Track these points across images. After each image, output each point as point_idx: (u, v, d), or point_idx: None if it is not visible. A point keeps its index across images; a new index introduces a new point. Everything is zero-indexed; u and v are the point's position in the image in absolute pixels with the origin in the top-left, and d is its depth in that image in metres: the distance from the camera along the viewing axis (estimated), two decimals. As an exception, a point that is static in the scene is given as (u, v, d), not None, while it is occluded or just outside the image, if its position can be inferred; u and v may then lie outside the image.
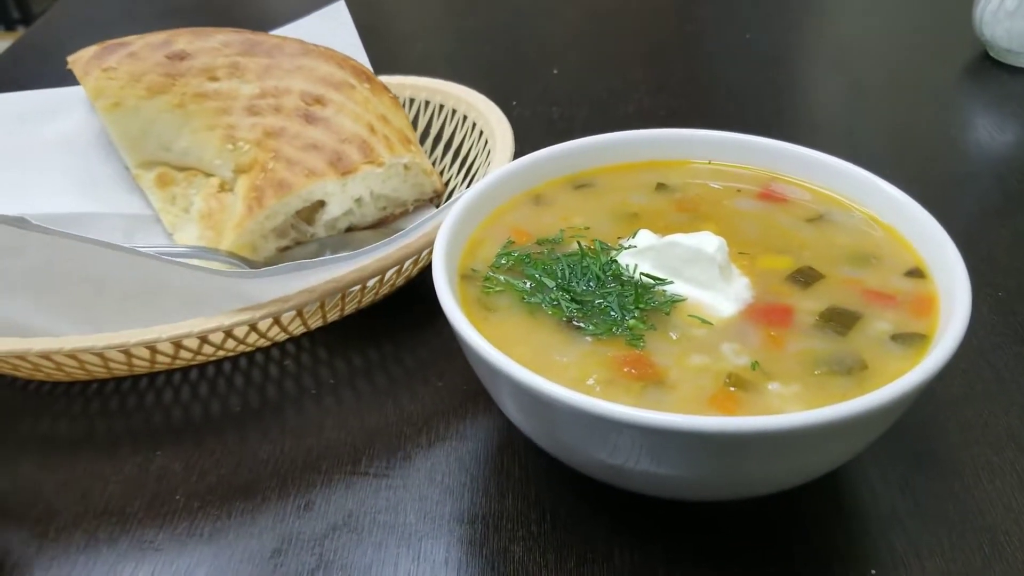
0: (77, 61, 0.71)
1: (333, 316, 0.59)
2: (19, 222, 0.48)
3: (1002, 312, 0.61)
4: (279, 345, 0.61)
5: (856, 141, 0.85)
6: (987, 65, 0.98)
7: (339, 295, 0.56)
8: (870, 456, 0.50)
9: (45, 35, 1.24)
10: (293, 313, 0.55)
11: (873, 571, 0.45)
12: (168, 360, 0.55)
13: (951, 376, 0.56)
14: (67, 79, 0.75)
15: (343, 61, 0.71)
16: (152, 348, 0.52)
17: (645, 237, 0.51)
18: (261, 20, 0.86)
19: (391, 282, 0.59)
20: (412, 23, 1.22)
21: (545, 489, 0.50)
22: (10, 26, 3.64)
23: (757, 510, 0.48)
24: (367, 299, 0.60)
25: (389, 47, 1.03)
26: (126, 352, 0.52)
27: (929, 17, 1.16)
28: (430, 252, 0.59)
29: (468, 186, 0.69)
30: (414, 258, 0.57)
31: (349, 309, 0.60)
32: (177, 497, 0.50)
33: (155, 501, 0.50)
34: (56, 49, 0.79)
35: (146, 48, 0.68)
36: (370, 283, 0.56)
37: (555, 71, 1.01)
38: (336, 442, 0.53)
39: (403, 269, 0.59)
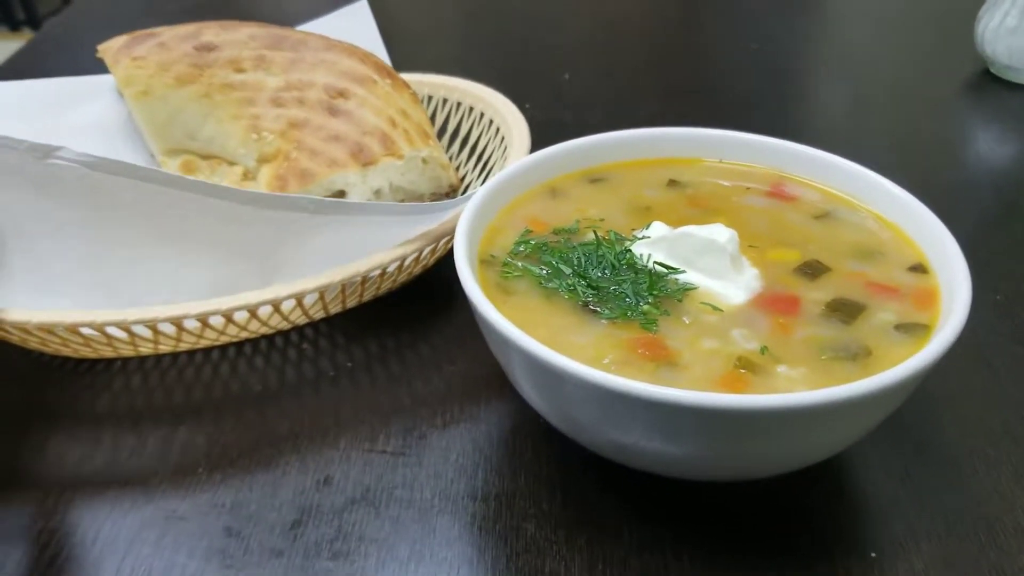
0: (107, 50, 0.73)
1: (352, 302, 0.61)
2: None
3: (1000, 314, 0.63)
4: (298, 329, 0.62)
5: (860, 150, 0.86)
6: (988, 80, 1.00)
7: (359, 280, 0.57)
8: (872, 447, 0.52)
9: (65, 28, 1.26)
10: (316, 296, 0.56)
11: (873, 554, 0.46)
12: (193, 339, 0.57)
13: (950, 373, 0.57)
14: (88, 70, 0.76)
15: (365, 57, 0.73)
16: (179, 325, 0.54)
17: (658, 228, 0.52)
18: (282, 18, 0.88)
19: (409, 269, 0.61)
20: (426, 29, 1.24)
21: (557, 469, 0.51)
22: (15, 27, 3.66)
23: (763, 493, 0.49)
24: (385, 285, 0.61)
25: (403, 51, 1.04)
26: (152, 328, 0.53)
27: (932, 33, 1.18)
28: (448, 241, 0.61)
29: (484, 181, 0.71)
30: (432, 246, 0.59)
31: (367, 296, 0.61)
32: (200, 470, 0.52)
33: (178, 473, 0.51)
34: (75, 42, 0.80)
35: (175, 39, 0.70)
36: (390, 268, 0.58)
37: (567, 76, 1.03)
38: (353, 421, 0.55)
39: (421, 257, 0.60)
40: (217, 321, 0.55)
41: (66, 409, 0.57)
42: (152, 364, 0.59)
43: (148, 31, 0.72)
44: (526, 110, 0.88)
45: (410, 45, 1.12)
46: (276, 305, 0.55)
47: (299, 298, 0.55)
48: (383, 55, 0.80)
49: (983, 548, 0.46)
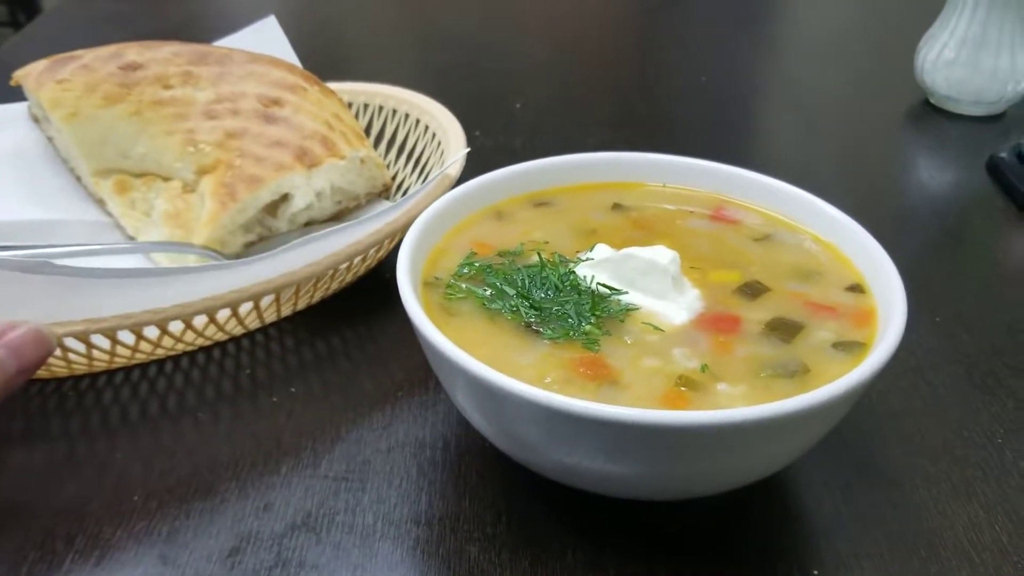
0: (28, 75, 0.73)
1: (287, 310, 0.62)
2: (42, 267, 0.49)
3: (939, 336, 0.64)
4: (235, 355, 0.61)
5: (803, 179, 0.88)
6: (928, 111, 1.03)
7: (314, 279, 0.58)
8: (815, 465, 0.52)
9: (15, 56, 1.24)
10: (251, 305, 0.56)
11: (816, 572, 0.46)
12: (128, 353, 0.56)
13: (891, 392, 0.58)
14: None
15: (291, 68, 0.75)
16: (112, 337, 0.53)
17: (602, 250, 0.53)
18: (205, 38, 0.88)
19: (341, 277, 0.62)
20: (379, 57, 1.25)
21: (502, 493, 0.51)
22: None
23: (707, 512, 0.49)
24: (318, 295, 0.63)
25: (356, 77, 1.05)
26: (86, 341, 0.52)
27: (874, 65, 1.21)
28: (378, 250, 0.62)
29: (422, 180, 0.74)
30: (362, 256, 0.60)
31: (302, 304, 0.63)
32: (135, 497, 0.50)
33: (113, 501, 0.50)
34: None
35: (97, 60, 0.70)
36: (323, 278, 0.60)
37: (518, 105, 1.04)
38: (296, 447, 0.54)
39: (353, 265, 0.61)
40: (153, 333, 0.54)
41: (-3, 436, 0.55)
42: (87, 384, 0.58)
43: (68, 55, 0.72)
44: (476, 138, 0.89)
45: (363, 71, 1.12)
46: (211, 314, 0.55)
47: (234, 307, 0.55)
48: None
49: (924, 564, 0.47)
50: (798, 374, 0.45)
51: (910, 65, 1.03)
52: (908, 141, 1.01)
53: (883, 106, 1.07)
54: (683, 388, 0.44)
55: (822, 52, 1.29)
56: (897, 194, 0.88)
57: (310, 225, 0.70)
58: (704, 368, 0.45)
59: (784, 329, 0.48)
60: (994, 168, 0.87)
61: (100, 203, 0.71)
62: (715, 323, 0.49)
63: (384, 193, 0.75)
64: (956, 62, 0.98)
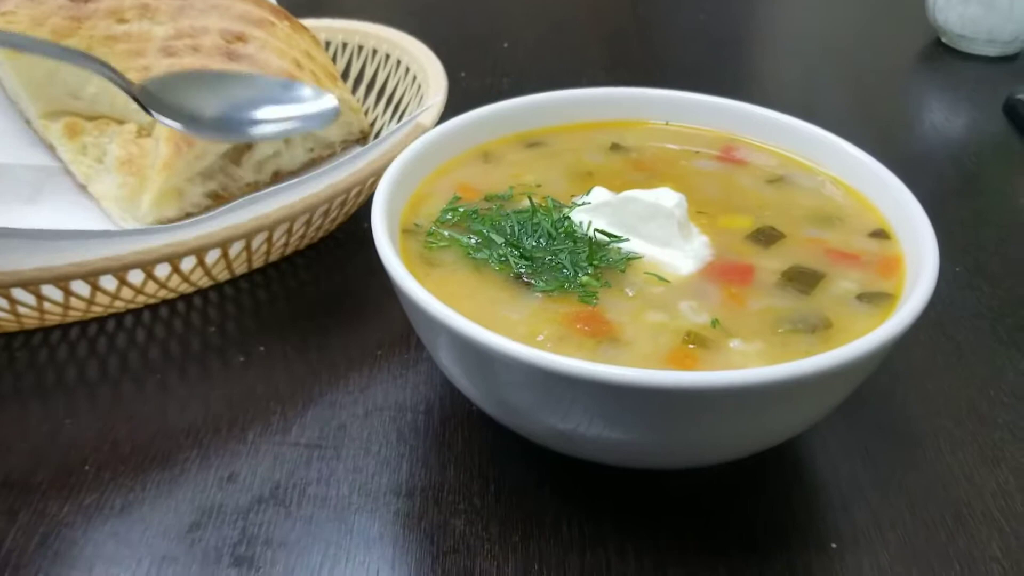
0: None
1: (258, 260, 0.57)
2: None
3: (960, 287, 0.60)
4: (203, 310, 0.57)
5: (811, 122, 0.84)
6: (940, 51, 0.98)
7: (268, 232, 0.53)
8: (830, 426, 0.48)
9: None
10: (219, 253, 0.52)
11: (834, 545, 0.43)
12: (83, 306, 0.52)
13: (911, 348, 0.54)
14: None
15: (258, 0, 0.69)
16: (66, 289, 0.49)
17: (600, 194, 0.48)
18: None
19: (318, 224, 0.57)
20: (360, -2, 1.18)
21: (490, 460, 0.46)
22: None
23: (714, 481, 0.45)
24: (291, 244, 0.58)
25: (332, 17, 0.99)
26: (36, 292, 0.48)
27: (883, 3, 1.16)
28: (358, 193, 0.57)
29: (400, 122, 0.68)
30: (342, 198, 0.55)
31: (275, 255, 0.58)
32: (87, 467, 0.46)
33: (62, 472, 0.46)
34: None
35: None
36: (297, 224, 0.54)
37: (505, 45, 0.99)
38: (264, 411, 0.50)
39: (331, 210, 0.57)
40: (111, 284, 0.50)
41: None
42: (39, 340, 0.54)
43: (12, -16, 0.66)
44: (461, 78, 0.83)
45: (339, 8, 1.06)
46: (174, 263, 0.50)
47: (200, 255, 0.51)
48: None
49: (951, 535, 0.43)
50: (819, 329, 0.40)
51: (920, 3, 0.98)
52: (920, 82, 0.96)
53: (893, 47, 1.02)
54: (692, 345, 0.39)
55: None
56: (909, 138, 0.83)
57: (278, 176, 0.64)
58: (715, 323, 0.41)
59: (802, 279, 0.43)
60: (1012, 110, 0.82)
61: (51, 148, 0.65)
62: (726, 273, 0.44)
63: (361, 141, 0.70)
64: (971, -2, 0.92)
